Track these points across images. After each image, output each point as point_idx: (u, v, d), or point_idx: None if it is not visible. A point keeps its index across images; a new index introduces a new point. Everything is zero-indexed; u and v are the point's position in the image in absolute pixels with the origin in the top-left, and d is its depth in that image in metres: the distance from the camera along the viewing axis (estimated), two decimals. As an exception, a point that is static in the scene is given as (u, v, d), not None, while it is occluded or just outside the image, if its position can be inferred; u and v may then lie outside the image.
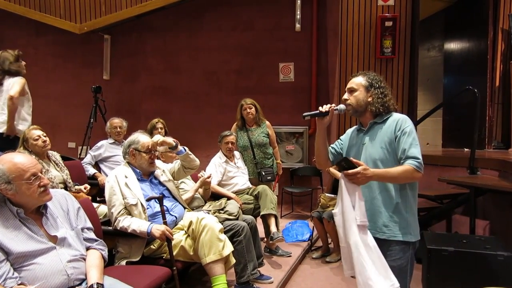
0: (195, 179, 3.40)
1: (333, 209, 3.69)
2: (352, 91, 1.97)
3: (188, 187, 3.27)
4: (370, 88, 1.94)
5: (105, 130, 4.10)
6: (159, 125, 4.04)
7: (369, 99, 1.94)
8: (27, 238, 1.66)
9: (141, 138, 2.61)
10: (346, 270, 1.83)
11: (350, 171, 1.71)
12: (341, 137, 2.15)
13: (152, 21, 5.86)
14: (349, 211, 1.73)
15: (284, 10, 5.43)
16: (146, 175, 2.64)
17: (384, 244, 1.85)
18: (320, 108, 1.93)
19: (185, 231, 2.49)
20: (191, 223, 2.44)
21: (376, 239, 1.85)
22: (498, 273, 2.48)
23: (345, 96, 1.99)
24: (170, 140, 2.69)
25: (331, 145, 2.12)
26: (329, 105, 1.93)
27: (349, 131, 2.13)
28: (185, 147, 2.75)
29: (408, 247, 1.85)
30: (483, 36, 5.01)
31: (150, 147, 2.59)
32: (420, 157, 1.79)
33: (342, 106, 1.97)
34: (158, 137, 2.69)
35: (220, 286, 2.33)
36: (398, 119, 1.88)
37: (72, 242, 1.78)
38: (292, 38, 5.46)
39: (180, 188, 3.15)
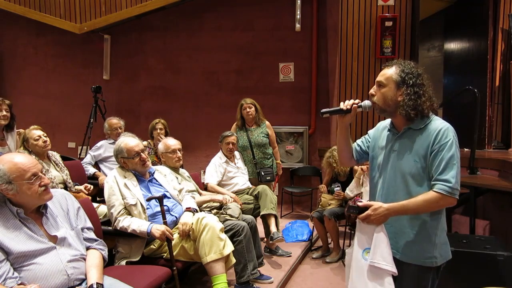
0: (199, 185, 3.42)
1: (331, 207, 3.72)
2: (380, 85, 1.63)
3: (188, 187, 3.25)
4: (401, 85, 1.59)
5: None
6: (159, 125, 4.03)
7: (399, 99, 1.59)
8: (27, 238, 1.66)
9: (124, 145, 2.57)
10: None
11: (361, 215, 1.55)
12: (369, 132, 1.84)
13: (152, 21, 5.85)
14: (358, 258, 1.61)
15: (284, 10, 5.43)
16: (145, 175, 2.64)
17: (403, 265, 1.62)
18: (341, 104, 1.66)
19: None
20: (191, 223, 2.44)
21: (395, 260, 1.59)
22: (498, 273, 2.48)
23: (372, 90, 1.66)
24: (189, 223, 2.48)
25: (357, 142, 1.84)
26: (351, 101, 1.66)
27: (380, 126, 1.80)
28: (197, 208, 2.70)
29: (430, 269, 1.62)
30: (483, 36, 5.00)
31: (137, 149, 2.55)
32: (454, 180, 1.49)
33: (367, 103, 1.66)
34: (185, 227, 2.45)
35: (221, 285, 2.33)
36: (440, 130, 1.54)
37: (72, 242, 1.78)
38: (292, 38, 5.45)
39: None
